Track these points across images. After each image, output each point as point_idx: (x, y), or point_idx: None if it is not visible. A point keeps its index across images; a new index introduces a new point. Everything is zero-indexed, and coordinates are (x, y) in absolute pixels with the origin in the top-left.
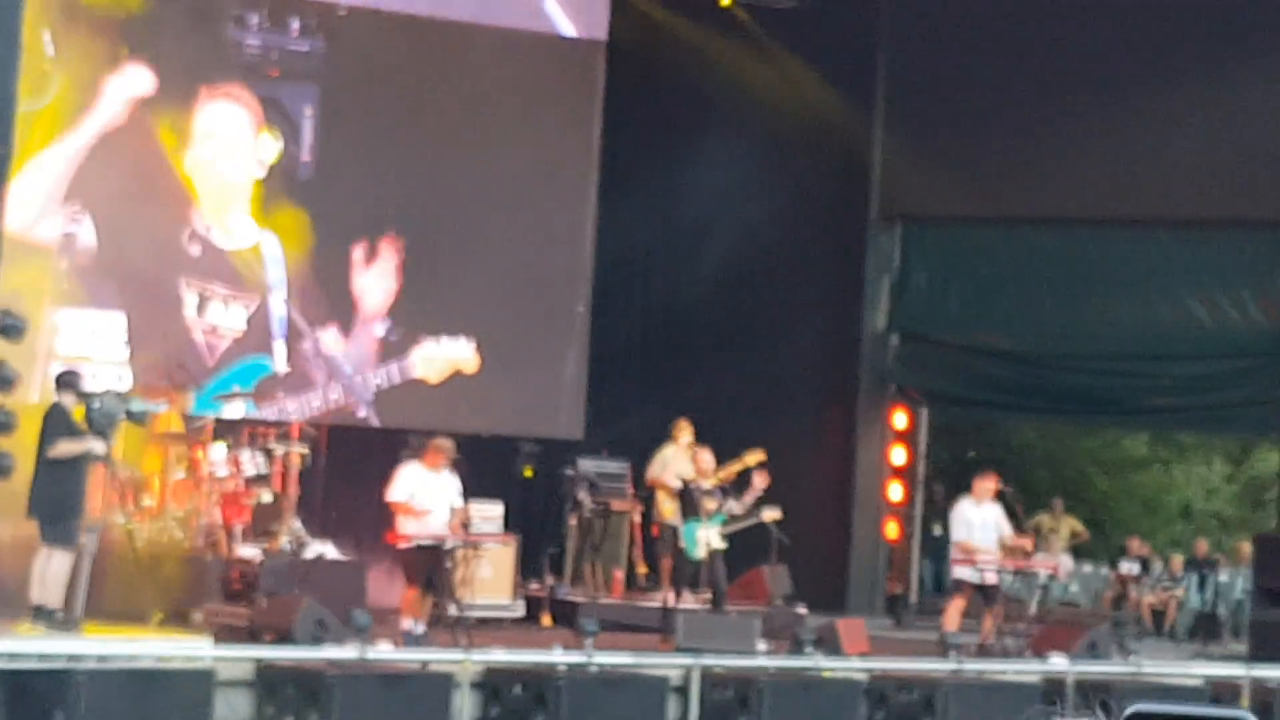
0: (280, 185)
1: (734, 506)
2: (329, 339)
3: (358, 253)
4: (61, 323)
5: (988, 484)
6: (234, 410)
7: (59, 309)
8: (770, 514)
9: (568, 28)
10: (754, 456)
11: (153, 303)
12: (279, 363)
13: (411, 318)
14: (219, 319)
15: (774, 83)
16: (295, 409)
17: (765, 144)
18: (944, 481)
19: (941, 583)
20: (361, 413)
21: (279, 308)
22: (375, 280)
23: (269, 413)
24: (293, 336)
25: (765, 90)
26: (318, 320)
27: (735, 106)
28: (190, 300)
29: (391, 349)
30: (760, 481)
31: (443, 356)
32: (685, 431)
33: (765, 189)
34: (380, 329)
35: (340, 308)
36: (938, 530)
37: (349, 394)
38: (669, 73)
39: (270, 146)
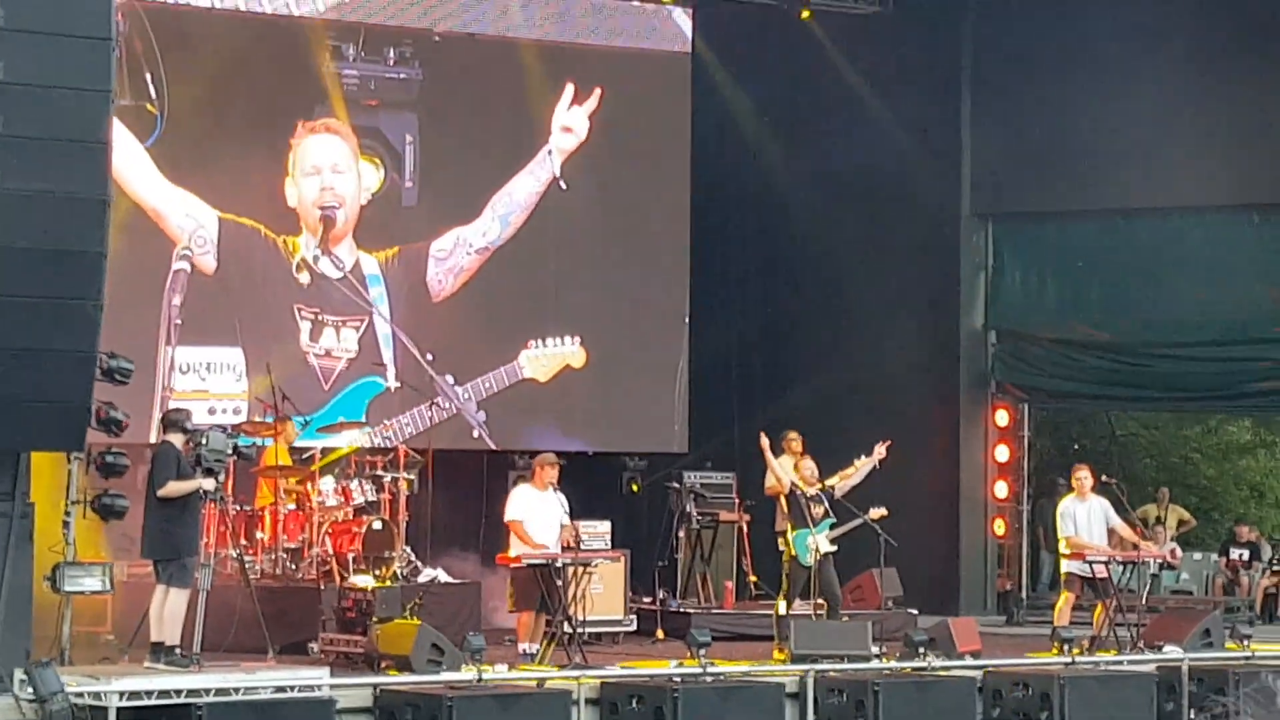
0: (385, 213)
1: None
2: (437, 354)
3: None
4: (176, 360)
5: (1082, 475)
6: (344, 440)
7: (174, 347)
8: (876, 512)
9: (656, 42)
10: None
11: (268, 334)
12: (390, 380)
13: (518, 327)
14: (331, 343)
15: (862, 87)
16: (409, 424)
17: (855, 147)
18: (1059, 476)
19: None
20: (475, 433)
21: (383, 328)
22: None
23: (383, 430)
24: (401, 354)
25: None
26: (424, 338)
27: (826, 112)
28: (304, 327)
29: (498, 355)
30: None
31: (551, 355)
32: (795, 442)
33: (856, 192)
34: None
35: (446, 324)
36: None
37: (459, 407)
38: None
39: (372, 175)
